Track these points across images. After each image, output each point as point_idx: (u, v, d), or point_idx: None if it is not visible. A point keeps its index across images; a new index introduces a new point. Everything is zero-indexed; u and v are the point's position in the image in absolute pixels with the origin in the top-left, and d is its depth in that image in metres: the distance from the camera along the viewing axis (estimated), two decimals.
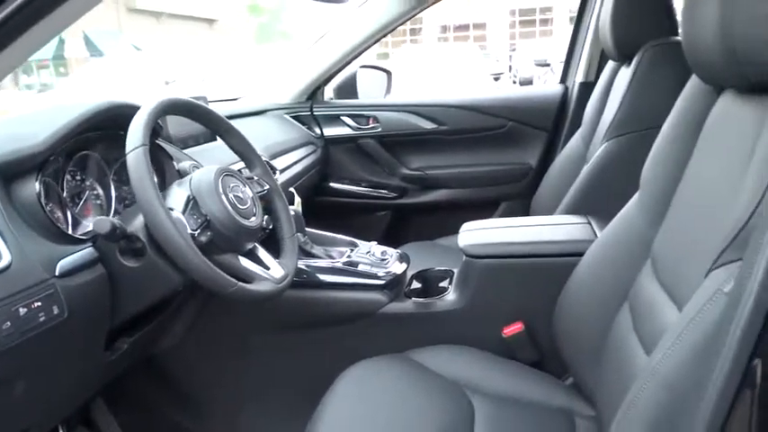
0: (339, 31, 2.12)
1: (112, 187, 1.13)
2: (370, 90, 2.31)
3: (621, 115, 1.50)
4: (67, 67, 16.34)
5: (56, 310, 0.83)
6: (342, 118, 2.26)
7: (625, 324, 0.94)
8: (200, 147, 1.45)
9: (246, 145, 1.19)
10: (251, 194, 1.09)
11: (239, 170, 1.14)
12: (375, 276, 1.36)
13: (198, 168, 1.09)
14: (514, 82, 12.39)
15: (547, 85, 5.39)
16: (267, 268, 1.09)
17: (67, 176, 1.04)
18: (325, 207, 2.27)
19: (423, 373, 1.15)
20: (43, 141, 0.92)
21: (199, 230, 0.97)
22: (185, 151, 1.33)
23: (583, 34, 2.15)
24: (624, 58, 1.59)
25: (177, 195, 1.00)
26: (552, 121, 2.18)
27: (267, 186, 1.19)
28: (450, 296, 1.36)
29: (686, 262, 0.78)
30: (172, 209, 0.96)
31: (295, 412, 1.19)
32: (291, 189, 1.47)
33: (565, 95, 2.19)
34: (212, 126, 1.16)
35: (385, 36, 2.12)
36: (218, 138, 1.32)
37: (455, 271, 1.42)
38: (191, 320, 1.37)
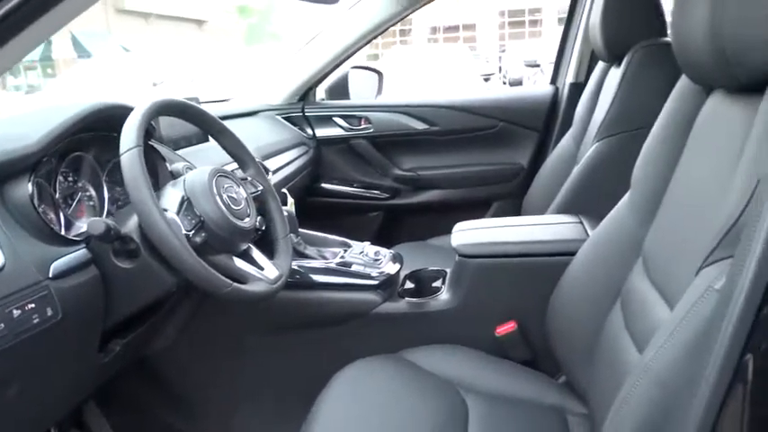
0: (330, 33, 2.12)
1: (105, 188, 1.12)
2: (362, 91, 2.31)
3: (612, 115, 1.51)
4: (55, 69, 16.21)
5: (49, 312, 0.83)
6: (334, 119, 2.26)
7: (617, 322, 0.95)
8: (193, 148, 1.44)
9: (240, 146, 1.19)
10: (245, 195, 1.09)
11: (232, 171, 1.14)
12: (368, 277, 1.36)
13: (191, 169, 1.09)
14: (504, 83, 12.40)
15: (537, 86, 5.42)
16: (261, 269, 1.09)
17: (60, 178, 1.03)
18: (318, 208, 2.27)
19: (416, 373, 1.15)
20: (36, 142, 0.91)
21: (193, 231, 0.97)
22: (178, 152, 1.32)
23: (573, 35, 2.16)
24: (614, 59, 1.60)
25: (171, 196, 0.99)
26: (543, 121, 2.19)
27: (261, 187, 1.19)
28: (444, 296, 1.36)
29: (677, 260, 0.79)
30: (166, 210, 0.96)
31: (289, 413, 1.19)
32: (284, 190, 1.47)
33: (555, 96, 2.20)
34: (206, 127, 1.16)
35: (376, 37, 2.11)
36: (210, 139, 1.32)
37: (448, 271, 1.42)
38: (183, 322, 1.37)
